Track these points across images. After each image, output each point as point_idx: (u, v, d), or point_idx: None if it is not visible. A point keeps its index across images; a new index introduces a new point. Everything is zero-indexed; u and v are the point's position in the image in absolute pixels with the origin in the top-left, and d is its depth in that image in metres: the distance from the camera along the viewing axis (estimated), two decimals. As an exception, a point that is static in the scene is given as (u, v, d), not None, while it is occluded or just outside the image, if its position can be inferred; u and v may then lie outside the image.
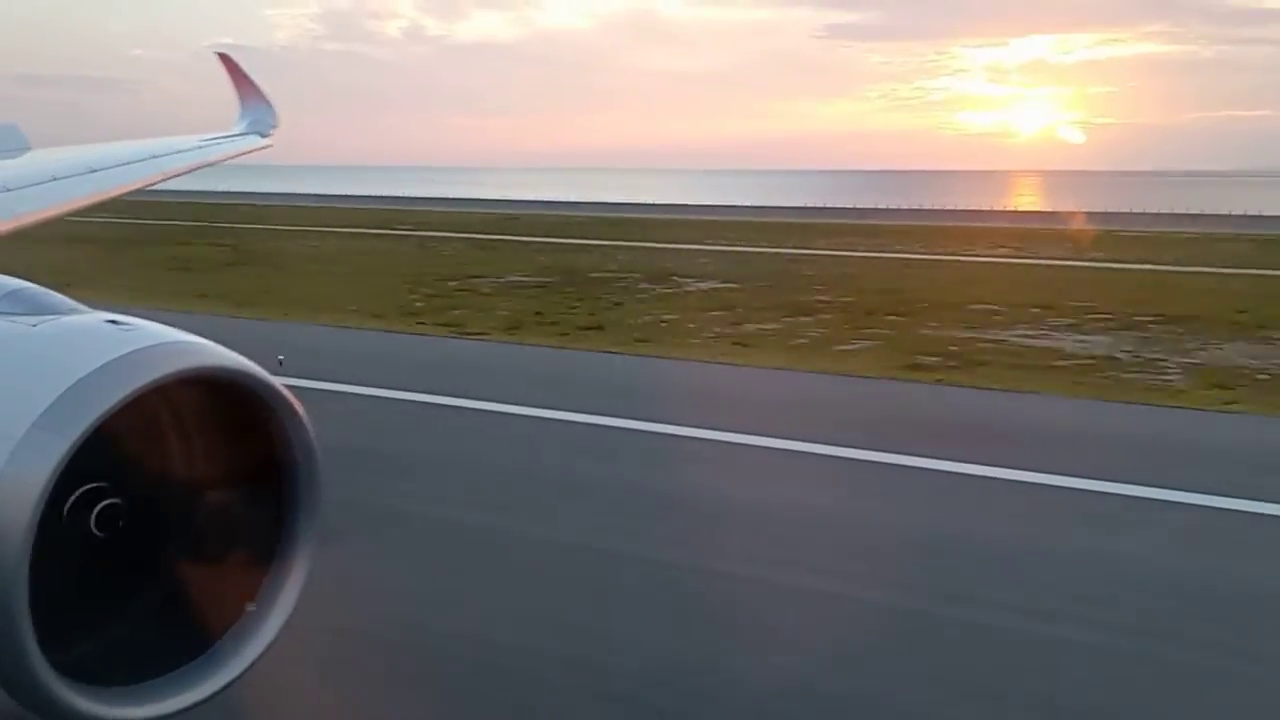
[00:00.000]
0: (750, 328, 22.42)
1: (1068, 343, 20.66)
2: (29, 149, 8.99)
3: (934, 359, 18.59)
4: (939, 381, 16.66)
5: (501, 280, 30.68)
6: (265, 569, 3.72)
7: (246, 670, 3.64)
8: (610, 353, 19.09)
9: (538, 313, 24.01)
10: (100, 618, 3.54)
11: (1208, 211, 69.78)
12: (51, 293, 3.80)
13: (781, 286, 29.02)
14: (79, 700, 3.20)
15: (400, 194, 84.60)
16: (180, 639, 3.58)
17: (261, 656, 3.67)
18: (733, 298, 26.98)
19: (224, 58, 13.82)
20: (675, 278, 30.95)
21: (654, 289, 28.83)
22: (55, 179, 7.52)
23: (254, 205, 67.00)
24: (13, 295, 3.71)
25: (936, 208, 78.50)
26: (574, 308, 25.04)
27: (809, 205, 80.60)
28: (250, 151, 12.03)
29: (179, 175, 9.87)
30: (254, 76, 13.58)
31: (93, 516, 3.39)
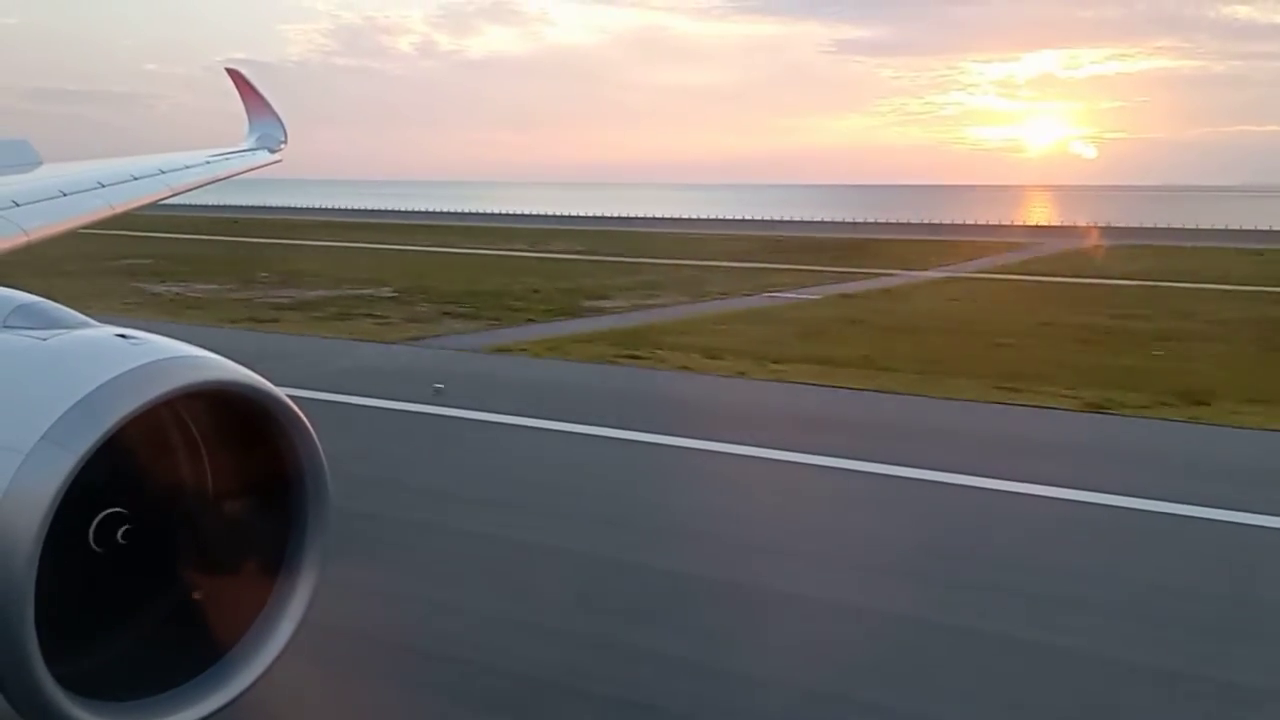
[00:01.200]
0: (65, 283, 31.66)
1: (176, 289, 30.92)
2: (40, 164, 9.00)
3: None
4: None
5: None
6: (273, 581, 3.70)
7: (252, 686, 3.62)
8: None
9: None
10: (106, 631, 3.52)
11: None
12: (61, 307, 3.79)
13: (223, 263, 39.23)
14: (85, 715, 3.18)
15: (266, 204, 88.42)
16: (187, 653, 3.56)
17: (267, 671, 3.65)
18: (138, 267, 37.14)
19: (233, 74, 13.82)
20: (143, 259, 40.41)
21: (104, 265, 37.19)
22: (64, 194, 7.53)
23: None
24: (23, 309, 3.70)
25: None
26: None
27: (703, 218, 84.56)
28: (258, 167, 12.07)
29: (187, 191, 9.90)
30: (266, 91, 13.60)
31: (100, 530, 3.37)
